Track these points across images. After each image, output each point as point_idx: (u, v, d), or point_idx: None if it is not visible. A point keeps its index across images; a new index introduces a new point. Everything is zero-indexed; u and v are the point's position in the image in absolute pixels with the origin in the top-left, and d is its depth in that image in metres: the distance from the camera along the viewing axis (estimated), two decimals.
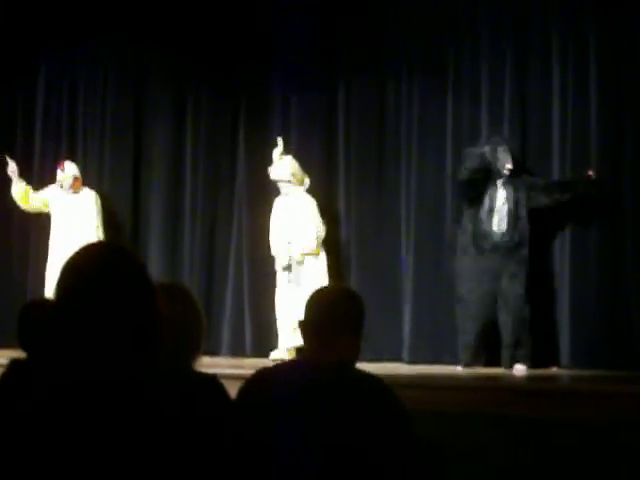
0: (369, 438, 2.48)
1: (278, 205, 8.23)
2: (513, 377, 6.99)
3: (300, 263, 7.98)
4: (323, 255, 8.10)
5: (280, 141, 8.23)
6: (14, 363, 2.14)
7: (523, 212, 7.46)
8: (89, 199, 8.74)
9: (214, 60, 9.15)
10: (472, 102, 8.14)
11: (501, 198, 7.51)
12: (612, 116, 7.57)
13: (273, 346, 8.13)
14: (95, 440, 1.85)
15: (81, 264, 2.00)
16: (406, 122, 8.45)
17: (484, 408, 5.72)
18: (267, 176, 8.37)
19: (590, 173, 7.37)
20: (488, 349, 7.55)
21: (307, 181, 8.22)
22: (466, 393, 6.09)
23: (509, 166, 7.49)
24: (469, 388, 6.33)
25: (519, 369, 7.22)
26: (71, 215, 8.61)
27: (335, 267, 8.25)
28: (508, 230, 7.42)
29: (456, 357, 7.62)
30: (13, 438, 1.88)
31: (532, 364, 7.29)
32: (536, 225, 7.55)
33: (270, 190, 8.67)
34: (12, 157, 9.09)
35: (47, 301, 2.02)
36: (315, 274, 7.88)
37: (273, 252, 8.18)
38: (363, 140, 8.61)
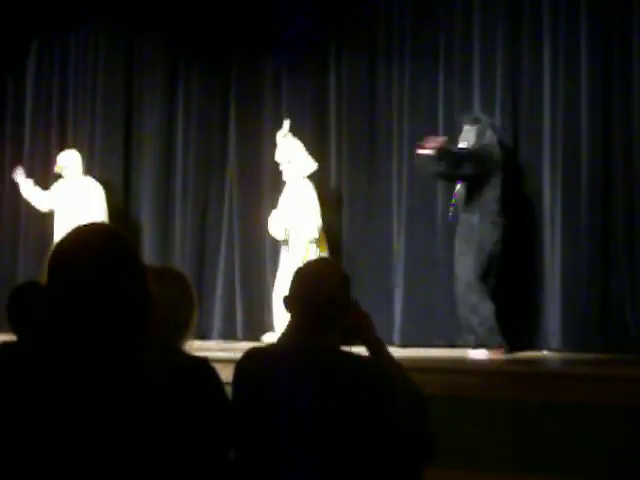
0: (360, 419, 2.48)
1: (282, 197, 8.19)
2: (501, 361, 6.93)
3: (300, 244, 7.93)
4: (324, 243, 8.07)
5: (286, 123, 8.14)
6: (4, 346, 2.14)
7: (476, 188, 7.31)
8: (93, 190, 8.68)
9: (205, 40, 9.15)
10: (463, 81, 8.12)
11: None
12: (602, 95, 7.55)
13: (265, 329, 8.13)
14: (87, 423, 1.85)
15: (72, 246, 1.99)
16: (397, 102, 8.44)
17: (474, 391, 5.74)
18: (259, 156, 8.35)
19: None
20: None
21: (311, 166, 8.16)
22: (456, 376, 6.10)
23: (460, 144, 7.42)
24: (459, 371, 6.33)
25: (474, 353, 7.04)
26: (74, 205, 8.54)
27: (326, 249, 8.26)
28: (453, 207, 7.41)
29: (448, 340, 7.64)
30: (3, 421, 1.88)
31: (507, 347, 7.09)
32: (527, 204, 7.56)
33: (262, 171, 8.67)
34: (2, 139, 9.09)
35: (38, 284, 2.01)
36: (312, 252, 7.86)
37: (271, 231, 8.14)
38: (354, 120, 8.60)
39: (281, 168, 8.13)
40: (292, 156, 8.07)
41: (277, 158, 8.16)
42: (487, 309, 7.09)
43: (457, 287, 7.22)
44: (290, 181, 8.08)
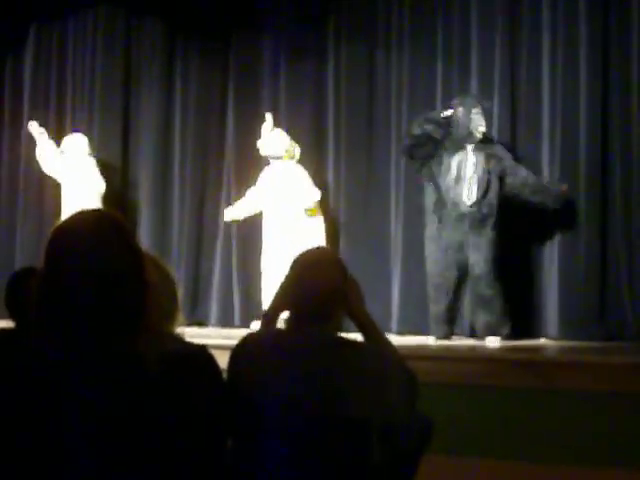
0: (359, 405, 2.48)
1: (267, 173, 8.20)
2: (496, 348, 6.95)
3: (298, 220, 7.90)
4: (321, 218, 8.06)
5: (269, 116, 8.18)
6: (2, 332, 2.13)
7: (493, 182, 7.18)
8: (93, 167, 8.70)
9: (203, 27, 9.14)
10: (462, 68, 8.11)
11: (471, 165, 7.19)
12: (601, 82, 7.55)
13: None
14: (85, 410, 1.84)
15: (71, 231, 1.98)
16: (396, 89, 8.43)
17: (471, 379, 5.74)
18: (257, 145, 8.33)
19: (564, 188, 7.23)
20: (460, 320, 7.54)
21: (297, 152, 8.20)
22: (453, 364, 6.10)
23: (482, 129, 7.25)
24: (455, 359, 6.34)
25: (491, 340, 7.08)
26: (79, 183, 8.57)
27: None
28: (477, 201, 7.14)
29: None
30: (2, 408, 1.88)
31: (512, 335, 7.16)
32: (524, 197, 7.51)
33: (260, 159, 8.65)
34: (0, 125, 9.08)
35: (36, 270, 2.01)
36: (312, 236, 7.81)
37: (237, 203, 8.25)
38: (353, 107, 8.59)
39: (271, 160, 8.15)
40: (286, 147, 8.08)
41: (267, 152, 8.15)
42: (503, 297, 7.17)
43: (477, 274, 7.18)
44: (283, 167, 8.10)
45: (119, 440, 1.85)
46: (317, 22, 8.74)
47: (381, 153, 8.47)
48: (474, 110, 7.29)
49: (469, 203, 7.15)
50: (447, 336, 7.29)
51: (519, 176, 7.31)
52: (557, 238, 7.60)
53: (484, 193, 7.16)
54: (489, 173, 7.21)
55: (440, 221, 7.25)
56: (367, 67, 8.57)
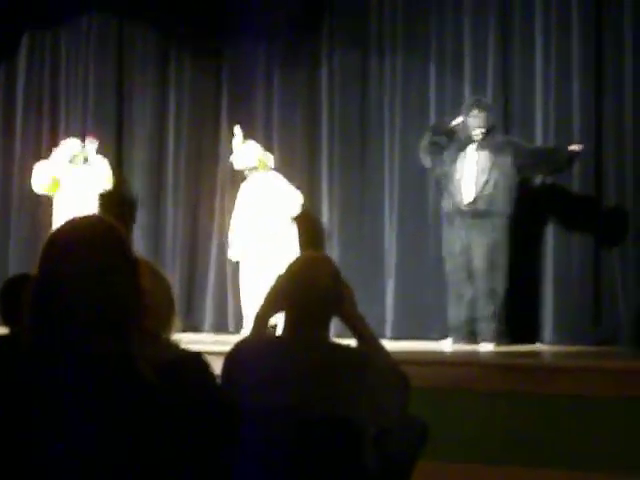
0: (350, 410, 2.48)
1: (245, 190, 8.23)
2: (491, 353, 6.95)
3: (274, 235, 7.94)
4: (294, 228, 8.09)
5: (238, 130, 8.21)
6: None
7: (496, 178, 7.18)
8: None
9: (196, 34, 9.12)
10: (455, 74, 8.14)
11: (471, 165, 7.23)
12: (594, 84, 7.58)
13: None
14: (81, 417, 1.84)
15: (65, 237, 1.98)
16: (389, 95, 8.44)
17: (466, 384, 5.74)
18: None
19: (576, 148, 7.18)
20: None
21: (271, 160, 8.22)
22: (448, 369, 6.11)
23: (480, 130, 7.28)
24: (451, 364, 6.34)
25: (485, 346, 7.05)
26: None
27: (317, 243, 8.25)
28: (474, 198, 7.15)
29: (440, 333, 7.60)
30: None
31: (510, 340, 7.16)
32: (520, 198, 7.44)
33: None
34: None
35: (31, 276, 2.01)
36: (287, 247, 7.84)
37: (229, 238, 8.21)
38: (346, 114, 8.60)
39: (246, 172, 8.19)
40: (260, 157, 8.10)
41: (240, 166, 8.18)
42: (500, 299, 7.17)
43: (478, 278, 7.19)
44: (259, 179, 8.13)
45: (113, 444, 1.85)
46: (310, 28, 8.75)
47: (375, 159, 8.48)
48: (471, 112, 7.35)
49: (465, 201, 7.18)
50: (466, 340, 7.24)
51: (527, 148, 7.37)
52: (551, 243, 7.61)
53: (482, 189, 7.16)
54: (490, 169, 7.21)
55: (450, 222, 7.33)
56: (360, 72, 8.58)
